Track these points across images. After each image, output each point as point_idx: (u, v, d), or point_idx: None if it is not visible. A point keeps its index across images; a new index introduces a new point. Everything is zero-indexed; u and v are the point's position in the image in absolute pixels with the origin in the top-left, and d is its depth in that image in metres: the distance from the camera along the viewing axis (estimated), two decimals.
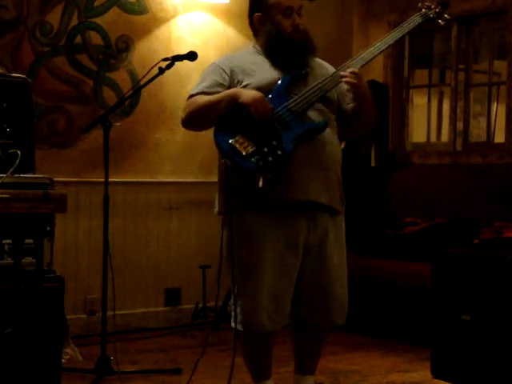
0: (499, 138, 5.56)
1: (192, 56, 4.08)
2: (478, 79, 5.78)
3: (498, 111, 5.66)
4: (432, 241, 4.92)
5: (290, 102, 3.17)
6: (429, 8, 3.46)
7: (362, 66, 3.29)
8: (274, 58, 3.28)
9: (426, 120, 6.05)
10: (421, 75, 6.14)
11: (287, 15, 3.25)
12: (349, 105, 3.37)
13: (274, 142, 3.09)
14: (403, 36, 3.41)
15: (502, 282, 3.80)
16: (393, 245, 5.23)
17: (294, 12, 3.26)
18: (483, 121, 5.83)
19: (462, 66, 5.74)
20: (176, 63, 4.07)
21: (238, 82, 3.24)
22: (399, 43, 5.99)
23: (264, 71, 3.26)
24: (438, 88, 6.04)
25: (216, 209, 3.34)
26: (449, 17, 3.50)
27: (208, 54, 5.41)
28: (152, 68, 4.07)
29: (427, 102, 6.05)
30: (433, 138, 6.01)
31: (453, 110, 5.76)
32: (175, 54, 4.18)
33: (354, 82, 3.19)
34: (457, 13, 5.25)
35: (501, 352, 3.79)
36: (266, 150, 3.07)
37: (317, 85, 3.22)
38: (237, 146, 3.07)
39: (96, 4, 5.08)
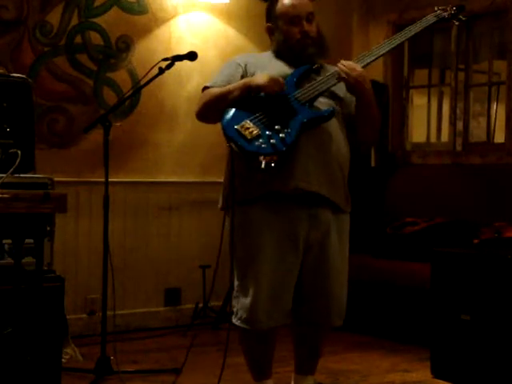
0: (499, 137, 5.56)
1: (192, 56, 4.08)
2: (478, 79, 5.78)
3: (498, 111, 5.66)
4: (432, 241, 4.91)
5: (297, 92, 3.22)
6: (444, 10, 3.47)
7: (371, 62, 3.30)
8: (284, 60, 3.34)
9: (425, 120, 6.05)
10: (421, 75, 6.14)
11: (295, 23, 3.29)
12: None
13: (278, 127, 3.12)
14: (414, 35, 3.40)
15: (501, 281, 3.80)
16: (393, 245, 5.23)
17: (302, 20, 3.29)
18: (483, 121, 5.83)
19: (461, 66, 5.74)
20: (176, 63, 4.08)
21: (251, 73, 3.31)
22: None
23: (276, 66, 3.33)
24: (437, 88, 6.04)
25: (219, 204, 3.36)
26: (464, 18, 3.51)
27: (208, 54, 5.42)
28: (152, 68, 4.07)
29: (427, 102, 6.05)
30: (433, 138, 6.01)
31: (453, 110, 5.76)
32: (175, 53, 4.19)
33: (344, 70, 3.19)
34: None
35: (501, 352, 3.79)
36: (269, 133, 3.11)
37: (324, 77, 3.26)
38: (242, 130, 3.12)
39: (96, 4, 5.08)
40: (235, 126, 3.14)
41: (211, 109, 3.27)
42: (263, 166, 3.05)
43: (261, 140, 3.09)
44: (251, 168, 3.13)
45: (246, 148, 3.10)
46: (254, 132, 3.11)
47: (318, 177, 3.20)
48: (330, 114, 3.21)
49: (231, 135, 3.14)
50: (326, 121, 3.21)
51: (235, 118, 3.17)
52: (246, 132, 3.11)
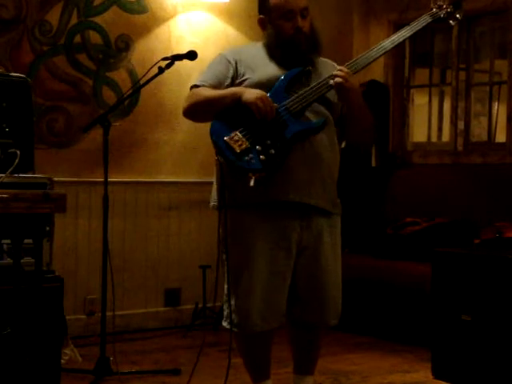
0: (500, 137, 5.56)
1: (192, 55, 4.07)
2: (479, 79, 5.77)
3: (499, 111, 5.66)
4: (432, 241, 4.91)
5: (288, 101, 3.15)
6: (440, 8, 3.37)
7: (368, 65, 3.26)
8: (276, 59, 3.26)
9: (426, 120, 6.04)
10: (421, 75, 6.14)
11: (288, 18, 3.20)
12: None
13: (269, 141, 3.08)
14: (411, 35, 3.33)
15: (502, 282, 3.78)
16: (393, 245, 5.22)
17: (296, 15, 3.21)
18: (484, 120, 5.83)
19: (462, 66, 5.73)
20: (176, 62, 4.07)
21: (241, 74, 3.24)
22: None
23: (266, 67, 3.25)
24: (438, 87, 6.03)
25: (211, 203, 3.33)
26: (460, 17, 3.40)
27: (208, 54, 5.37)
28: (152, 67, 4.06)
29: (428, 102, 6.05)
30: (433, 138, 6.00)
31: (454, 109, 5.75)
32: (175, 53, 4.18)
33: (341, 75, 3.12)
34: None
35: (501, 352, 3.78)
36: (259, 148, 3.06)
37: (315, 85, 3.18)
38: (231, 143, 3.06)
39: (95, 3, 5.07)
40: (225, 138, 3.07)
41: (199, 111, 3.23)
42: (252, 183, 3.02)
43: (250, 155, 3.04)
44: (240, 179, 3.09)
45: (235, 163, 3.05)
46: (243, 145, 3.06)
47: (309, 187, 3.17)
48: (322, 125, 3.17)
49: (220, 144, 3.08)
50: (317, 132, 3.17)
51: (225, 128, 3.11)
52: (236, 145, 3.06)
